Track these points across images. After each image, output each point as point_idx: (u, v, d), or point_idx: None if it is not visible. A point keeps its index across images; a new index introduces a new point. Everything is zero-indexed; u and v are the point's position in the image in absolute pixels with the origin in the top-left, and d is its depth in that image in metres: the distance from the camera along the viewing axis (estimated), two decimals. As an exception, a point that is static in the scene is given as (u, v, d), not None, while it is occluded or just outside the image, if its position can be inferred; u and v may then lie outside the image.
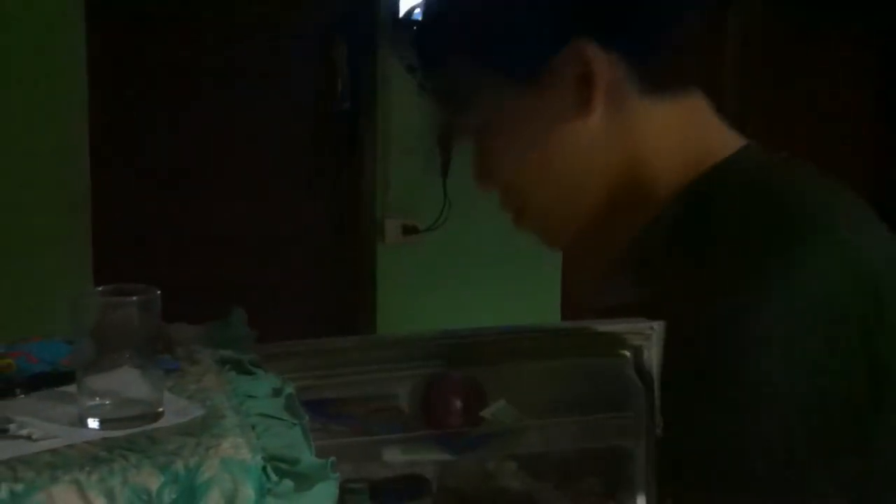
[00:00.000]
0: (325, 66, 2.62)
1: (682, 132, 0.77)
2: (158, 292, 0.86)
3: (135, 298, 0.85)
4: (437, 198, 2.67)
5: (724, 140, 0.77)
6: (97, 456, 0.76)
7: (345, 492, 1.17)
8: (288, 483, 0.77)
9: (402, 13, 2.50)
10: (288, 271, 2.60)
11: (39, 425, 0.82)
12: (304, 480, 0.78)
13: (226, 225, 2.56)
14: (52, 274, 2.23)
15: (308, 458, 0.79)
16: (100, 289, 0.90)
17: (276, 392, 0.94)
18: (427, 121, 2.87)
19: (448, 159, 2.69)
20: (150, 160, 2.46)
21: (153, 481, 0.73)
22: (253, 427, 0.84)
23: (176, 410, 0.87)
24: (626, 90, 0.74)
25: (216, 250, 2.54)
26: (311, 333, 2.68)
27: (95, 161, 2.36)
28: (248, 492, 0.74)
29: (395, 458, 1.52)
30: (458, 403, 1.52)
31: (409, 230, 2.70)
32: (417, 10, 2.46)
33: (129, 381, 0.85)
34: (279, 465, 0.77)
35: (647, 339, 1.55)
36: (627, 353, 1.57)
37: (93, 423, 0.83)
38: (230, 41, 2.52)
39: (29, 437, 0.79)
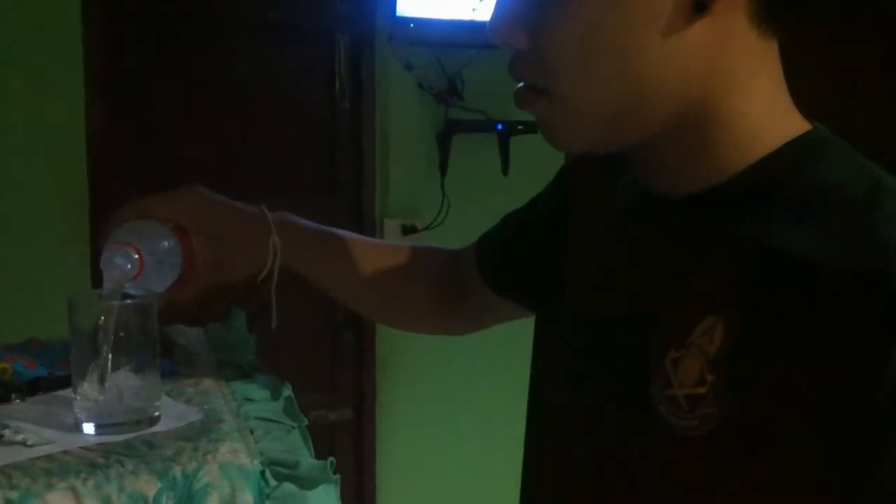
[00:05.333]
0: (324, 66, 2.62)
1: (779, 87, 0.65)
2: (155, 295, 0.85)
3: (132, 301, 0.84)
4: (435, 197, 2.66)
5: (796, 117, 0.66)
6: (94, 462, 0.75)
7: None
8: (287, 487, 0.76)
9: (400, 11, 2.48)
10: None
11: (35, 431, 0.81)
12: (304, 484, 0.77)
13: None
14: (52, 276, 2.22)
15: (307, 461, 0.78)
16: (96, 291, 0.89)
17: (275, 395, 0.93)
18: (426, 119, 2.86)
19: (447, 158, 2.68)
20: (149, 161, 2.45)
21: (150, 487, 0.72)
22: (251, 431, 0.83)
23: (174, 415, 0.86)
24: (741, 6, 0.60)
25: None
26: (311, 334, 2.67)
27: (94, 162, 2.35)
28: (247, 497, 0.73)
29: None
30: None
31: (408, 230, 2.69)
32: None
33: (126, 386, 0.84)
34: (278, 470, 0.76)
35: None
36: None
37: (89, 429, 0.82)
38: (228, 42, 2.51)
39: (24, 444, 0.78)
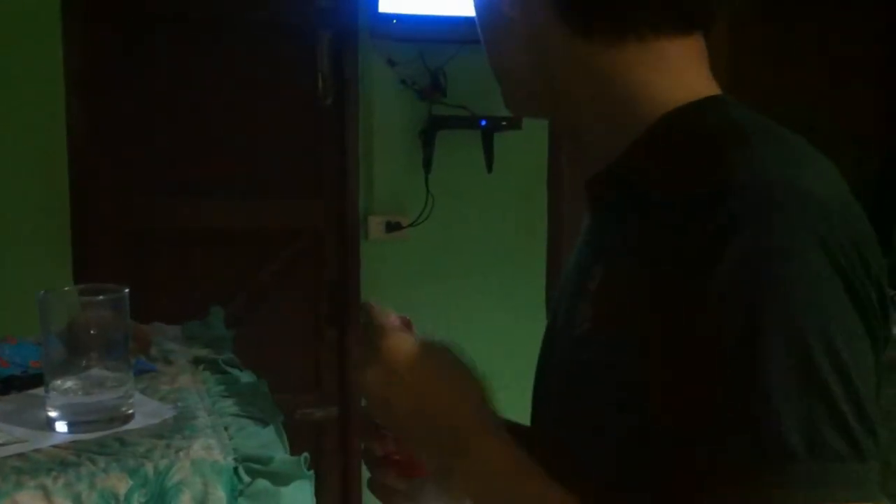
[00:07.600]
0: (306, 63, 2.60)
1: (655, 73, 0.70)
2: (127, 291, 0.84)
3: (103, 297, 0.83)
4: (420, 194, 2.66)
5: (704, 85, 0.71)
6: (65, 460, 0.74)
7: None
8: (261, 483, 0.75)
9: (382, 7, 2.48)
10: (271, 268, 2.57)
11: (7, 430, 0.80)
12: (277, 480, 0.76)
13: (206, 224, 2.53)
14: (31, 274, 2.20)
15: (281, 457, 0.78)
16: (67, 288, 0.88)
17: (251, 391, 0.92)
18: (409, 116, 2.84)
19: (431, 154, 2.67)
20: (130, 161, 2.43)
21: (122, 485, 0.71)
22: (226, 428, 0.83)
23: (147, 412, 0.86)
24: None
25: (197, 249, 2.52)
26: (296, 333, 2.67)
27: (75, 162, 2.34)
28: (220, 494, 0.73)
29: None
30: None
31: (392, 227, 2.68)
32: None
33: (98, 383, 0.83)
34: (252, 466, 0.76)
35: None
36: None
37: (61, 427, 0.81)
38: (210, 41, 2.50)
39: (-5, 443, 0.77)
